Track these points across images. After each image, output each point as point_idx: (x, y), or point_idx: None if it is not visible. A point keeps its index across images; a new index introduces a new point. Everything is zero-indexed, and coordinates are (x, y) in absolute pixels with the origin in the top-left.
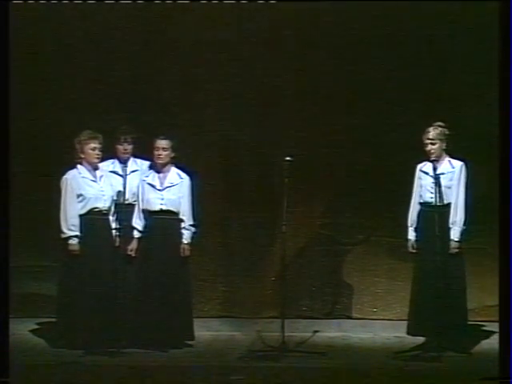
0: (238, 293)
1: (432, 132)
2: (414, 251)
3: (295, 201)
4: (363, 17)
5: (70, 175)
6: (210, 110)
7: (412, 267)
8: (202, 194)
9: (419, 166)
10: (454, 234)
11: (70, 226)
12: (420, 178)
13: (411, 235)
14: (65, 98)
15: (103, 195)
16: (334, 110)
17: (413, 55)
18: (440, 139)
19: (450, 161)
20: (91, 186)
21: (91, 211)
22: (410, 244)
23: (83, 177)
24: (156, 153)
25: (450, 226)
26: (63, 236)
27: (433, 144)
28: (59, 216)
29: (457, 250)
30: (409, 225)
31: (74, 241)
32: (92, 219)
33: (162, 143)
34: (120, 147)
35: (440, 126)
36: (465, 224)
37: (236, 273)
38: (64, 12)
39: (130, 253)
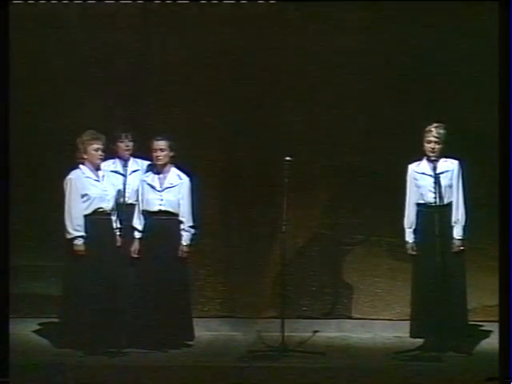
0: (237, 293)
1: (438, 130)
2: (414, 253)
3: (295, 201)
4: (362, 15)
5: (74, 175)
6: (210, 110)
7: (412, 268)
8: (201, 194)
9: (412, 167)
10: (457, 232)
11: (76, 226)
12: (416, 179)
13: (409, 237)
14: (65, 98)
15: (107, 195)
16: (334, 111)
17: (412, 55)
18: (443, 139)
19: (446, 160)
20: (95, 186)
21: (96, 211)
22: (409, 246)
23: (87, 177)
24: (154, 154)
25: (453, 224)
26: (68, 236)
27: (437, 143)
28: (63, 216)
29: (462, 248)
30: (406, 227)
31: (80, 241)
32: (97, 219)
33: (160, 144)
34: (121, 145)
35: (443, 127)
36: (466, 222)
37: (236, 273)
38: (65, 11)
39: (132, 254)
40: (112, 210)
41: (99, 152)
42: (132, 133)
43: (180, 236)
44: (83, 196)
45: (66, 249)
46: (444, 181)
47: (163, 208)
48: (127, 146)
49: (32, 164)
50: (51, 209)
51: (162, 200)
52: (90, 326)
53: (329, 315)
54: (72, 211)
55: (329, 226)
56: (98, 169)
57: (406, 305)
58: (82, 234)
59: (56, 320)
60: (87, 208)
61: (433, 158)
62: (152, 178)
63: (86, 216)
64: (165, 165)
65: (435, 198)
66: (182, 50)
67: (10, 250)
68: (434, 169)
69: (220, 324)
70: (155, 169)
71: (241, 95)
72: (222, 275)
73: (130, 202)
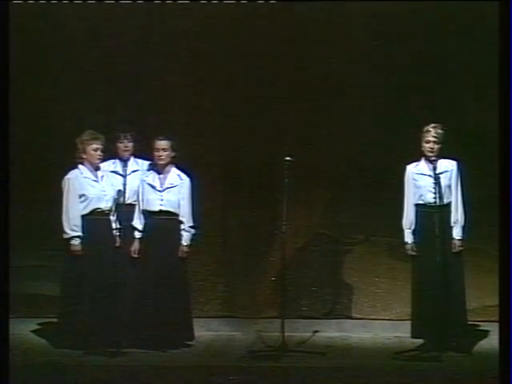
0: (237, 293)
1: (437, 130)
2: (414, 253)
3: (295, 201)
4: (363, 15)
5: (73, 175)
6: (210, 110)
7: (412, 268)
8: (202, 195)
9: (410, 167)
10: (457, 232)
11: (73, 226)
12: (415, 180)
13: (409, 238)
14: (65, 98)
15: (105, 195)
16: (334, 110)
17: (412, 55)
18: (442, 139)
19: (444, 160)
20: (93, 186)
21: (93, 211)
22: (408, 247)
23: (85, 177)
24: (156, 154)
25: (453, 224)
26: (65, 236)
27: (436, 143)
28: (61, 216)
29: (461, 248)
30: (405, 228)
31: (77, 241)
32: (94, 220)
33: (162, 144)
34: (120, 145)
35: (442, 127)
36: (465, 222)
37: (236, 273)
38: (65, 11)
39: (132, 254)
40: (110, 210)
41: (98, 152)
42: (131, 133)
43: (180, 236)
44: (81, 196)
45: (65, 249)
46: (443, 181)
47: (164, 208)
48: (126, 147)
49: (32, 164)
50: (51, 209)
51: (162, 200)
52: (90, 326)
53: (329, 315)
54: (69, 211)
55: (329, 226)
56: (97, 169)
57: (406, 305)
58: (79, 234)
59: (55, 320)
60: (85, 208)
61: (432, 158)
62: (152, 178)
63: (83, 216)
64: (166, 165)
65: (435, 198)
66: (183, 51)
67: (9, 250)
68: (434, 169)
69: (220, 324)
70: (156, 169)
71: (241, 95)
72: (222, 275)
73: (129, 202)
